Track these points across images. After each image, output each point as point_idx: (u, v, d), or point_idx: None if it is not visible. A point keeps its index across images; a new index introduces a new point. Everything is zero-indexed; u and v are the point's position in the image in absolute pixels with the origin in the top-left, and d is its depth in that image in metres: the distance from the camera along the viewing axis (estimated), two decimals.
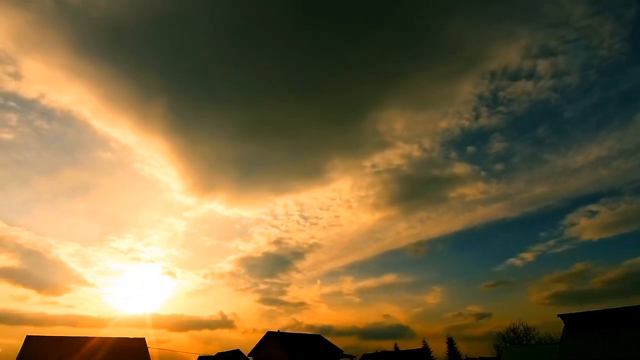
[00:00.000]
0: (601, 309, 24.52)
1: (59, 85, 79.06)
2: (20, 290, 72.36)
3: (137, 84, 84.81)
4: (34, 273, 73.77)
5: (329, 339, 46.42)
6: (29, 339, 30.13)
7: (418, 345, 70.75)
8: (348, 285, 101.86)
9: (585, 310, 24.84)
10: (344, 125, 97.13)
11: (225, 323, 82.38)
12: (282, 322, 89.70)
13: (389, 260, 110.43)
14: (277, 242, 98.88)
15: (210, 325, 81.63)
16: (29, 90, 77.65)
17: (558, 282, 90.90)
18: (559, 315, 25.45)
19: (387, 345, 76.61)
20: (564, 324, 25.08)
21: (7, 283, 70.85)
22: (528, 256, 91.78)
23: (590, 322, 23.74)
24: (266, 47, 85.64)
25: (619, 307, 23.60)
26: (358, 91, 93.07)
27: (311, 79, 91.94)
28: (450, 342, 73.14)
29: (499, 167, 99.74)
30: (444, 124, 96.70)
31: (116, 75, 79.83)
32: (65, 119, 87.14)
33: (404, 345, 73.24)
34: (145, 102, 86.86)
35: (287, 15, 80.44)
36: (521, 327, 59.08)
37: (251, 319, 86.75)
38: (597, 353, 21.48)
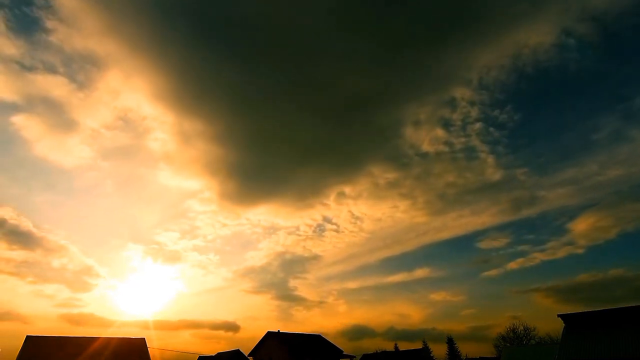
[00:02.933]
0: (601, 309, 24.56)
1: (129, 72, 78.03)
2: (50, 287, 73.64)
3: (215, 75, 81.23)
4: (63, 269, 75.64)
5: (357, 340, 45.46)
6: (29, 339, 30.09)
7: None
8: (376, 280, 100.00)
9: (586, 310, 24.90)
10: (432, 104, 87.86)
11: (239, 323, 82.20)
12: (306, 322, 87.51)
13: (427, 253, 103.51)
14: (320, 235, 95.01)
15: (229, 324, 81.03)
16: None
17: (593, 287, 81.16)
18: (559, 315, 25.44)
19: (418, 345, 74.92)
20: (564, 324, 25.10)
21: (32, 278, 71.85)
22: (578, 250, 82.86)
23: (590, 322, 23.74)
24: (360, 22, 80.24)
25: (618, 307, 23.66)
26: (445, 62, 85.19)
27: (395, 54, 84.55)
28: (450, 342, 73.10)
29: (576, 145, 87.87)
30: None
31: (192, 61, 77.74)
32: (132, 107, 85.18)
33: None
34: (222, 92, 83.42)
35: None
36: (521, 327, 59.12)
37: (268, 317, 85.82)
38: (597, 353, 21.49)
